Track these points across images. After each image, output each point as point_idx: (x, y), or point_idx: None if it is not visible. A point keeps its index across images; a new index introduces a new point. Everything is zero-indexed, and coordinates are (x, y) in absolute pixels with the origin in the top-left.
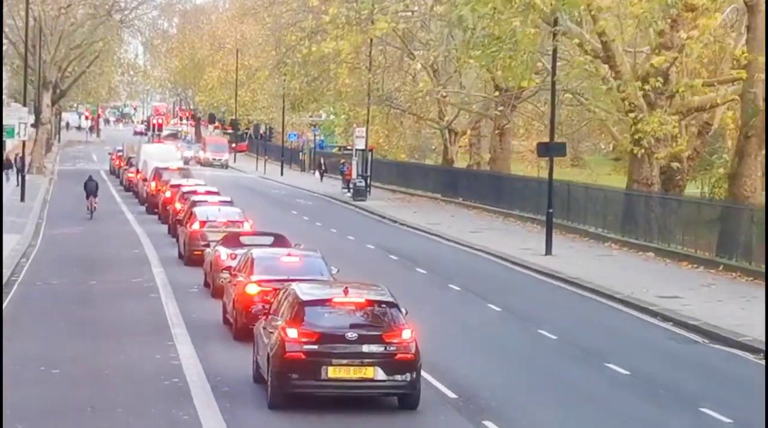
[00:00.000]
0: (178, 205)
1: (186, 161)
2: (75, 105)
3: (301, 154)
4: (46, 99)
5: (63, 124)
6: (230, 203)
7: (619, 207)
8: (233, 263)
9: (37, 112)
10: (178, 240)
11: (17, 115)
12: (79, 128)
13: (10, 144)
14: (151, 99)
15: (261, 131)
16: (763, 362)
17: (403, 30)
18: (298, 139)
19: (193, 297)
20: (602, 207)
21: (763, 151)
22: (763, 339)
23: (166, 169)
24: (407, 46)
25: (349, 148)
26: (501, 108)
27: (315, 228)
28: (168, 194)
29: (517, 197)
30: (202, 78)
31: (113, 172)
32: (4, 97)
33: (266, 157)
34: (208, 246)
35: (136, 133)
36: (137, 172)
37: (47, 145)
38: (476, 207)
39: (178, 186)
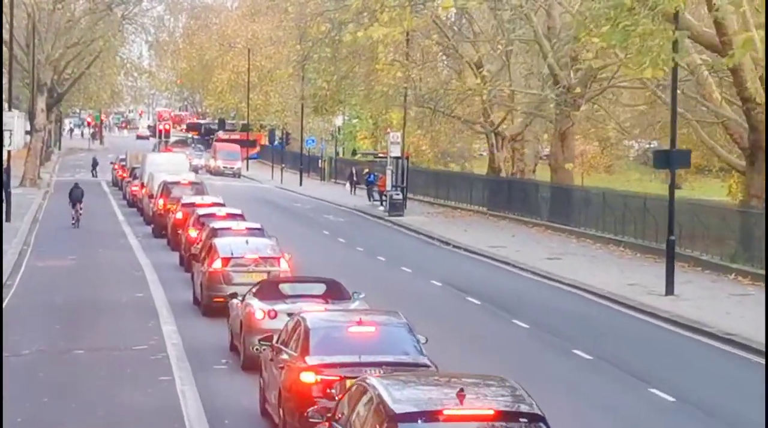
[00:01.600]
0: (192, 233)
1: (195, 170)
2: (77, 110)
3: (320, 161)
4: (41, 103)
5: (66, 130)
6: (260, 231)
7: (735, 227)
8: (273, 325)
9: (31, 118)
10: (193, 280)
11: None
12: (82, 135)
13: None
14: (156, 104)
15: (278, 136)
16: None
17: (453, 19)
18: (316, 145)
19: (220, 376)
20: (717, 229)
21: None
22: None
23: (176, 183)
24: (450, 38)
25: (381, 155)
26: (566, 107)
27: (357, 255)
28: (179, 215)
29: (592, 214)
30: (210, 80)
31: (116, 184)
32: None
33: (282, 165)
34: (234, 295)
35: (139, 138)
36: (142, 185)
37: (45, 154)
38: (536, 224)
39: (192, 205)
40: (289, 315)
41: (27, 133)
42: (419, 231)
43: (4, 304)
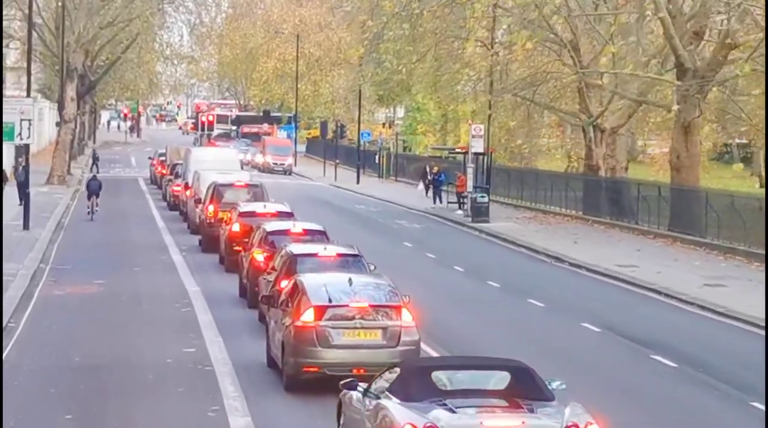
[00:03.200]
0: (258, 255)
1: (240, 166)
2: (114, 102)
3: (377, 156)
4: (71, 91)
5: (102, 123)
6: (358, 259)
7: None
8: None
9: (60, 107)
10: (267, 334)
11: (18, 109)
12: (118, 127)
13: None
14: (195, 95)
15: (332, 129)
16: None
17: None
18: (372, 139)
19: None
20: None
21: None
22: None
23: (229, 185)
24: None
25: (460, 150)
26: (695, 95)
27: (458, 278)
28: (236, 228)
29: (738, 225)
30: (255, 69)
31: (154, 181)
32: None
33: (336, 161)
34: (353, 386)
35: (182, 130)
36: (186, 186)
37: (78, 148)
38: (658, 234)
39: (251, 215)
40: None
41: (56, 124)
42: (517, 243)
43: (5, 353)
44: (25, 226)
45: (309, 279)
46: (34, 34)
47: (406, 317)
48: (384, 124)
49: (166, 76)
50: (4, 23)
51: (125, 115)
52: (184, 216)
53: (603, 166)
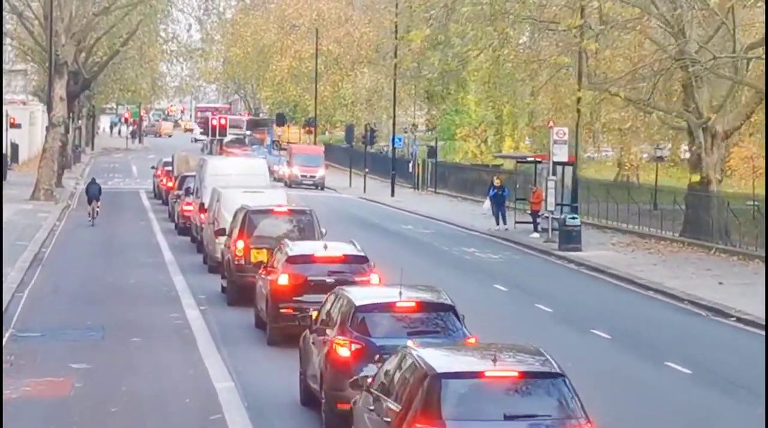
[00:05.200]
0: (342, 351)
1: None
2: (114, 105)
3: (410, 165)
4: (59, 88)
5: (101, 128)
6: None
7: None
8: None
9: (48, 108)
10: None
11: None
12: (119, 133)
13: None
14: (203, 96)
15: (361, 133)
16: None
17: None
18: (404, 144)
19: None
20: None
21: None
22: None
23: (267, 212)
24: None
25: (535, 158)
26: None
27: (614, 354)
28: (283, 280)
29: None
30: (268, 69)
31: (158, 195)
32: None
33: (366, 170)
34: None
35: (195, 140)
36: (201, 207)
37: (73, 155)
38: None
39: (308, 260)
40: None
41: (47, 128)
42: (636, 282)
43: None
44: None
45: None
46: (24, 28)
47: None
48: (412, 126)
49: (171, 76)
50: None
51: (126, 120)
52: (198, 245)
53: (715, 179)
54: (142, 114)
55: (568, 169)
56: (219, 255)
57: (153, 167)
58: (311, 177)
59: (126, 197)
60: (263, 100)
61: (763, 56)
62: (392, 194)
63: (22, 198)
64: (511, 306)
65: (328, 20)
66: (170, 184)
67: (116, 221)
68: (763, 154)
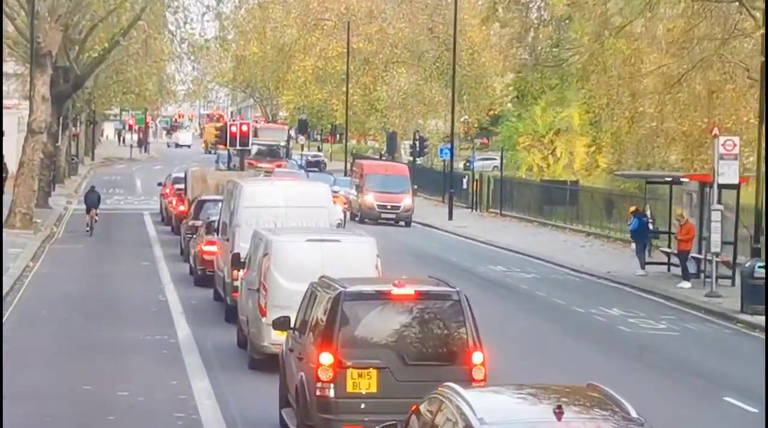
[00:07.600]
0: None
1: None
2: (118, 112)
3: (465, 181)
4: (41, 85)
5: (105, 135)
6: None
7: None
8: None
9: (31, 110)
10: None
11: None
12: (123, 141)
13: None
14: (213, 102)
15: (409, 143)
16: None
17: None
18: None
19: None
20: None
21: None
22: None
23: (378, 296)
24: None
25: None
26: None
27: None
28: None
29: None
30: (289, 70)
31: (166, 219)
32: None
33: (415, 187)
34: None
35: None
36: (236, 261)
37: (68, 167)
38: None
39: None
40: None
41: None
42: None
43: None
44: None
45: None
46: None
47: None
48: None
49: (182, 75)
50: None
51: (130, 126)
52: (227, 312)
53: None
54: (147, 120)
55: (731, 193)
56: (268, 344)
57: (160, 184)
58: (395, 208)
59: (127, 221)
60: (283, 104)
61: None
62: (449, 217)
63: None
64: None
65: (358, 15)
66: (182, 208)
67: (111, 261)
68: None
